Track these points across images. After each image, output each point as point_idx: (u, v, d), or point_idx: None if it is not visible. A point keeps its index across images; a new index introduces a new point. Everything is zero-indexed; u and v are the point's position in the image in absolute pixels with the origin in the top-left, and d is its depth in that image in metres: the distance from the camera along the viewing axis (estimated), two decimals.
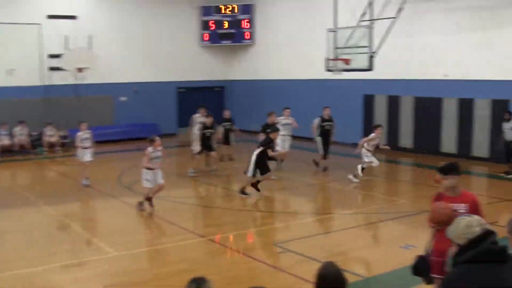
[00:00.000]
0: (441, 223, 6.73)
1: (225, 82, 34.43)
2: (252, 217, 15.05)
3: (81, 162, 18.70)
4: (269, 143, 16.74)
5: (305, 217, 14.78)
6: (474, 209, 6.97)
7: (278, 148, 19.10)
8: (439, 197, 7.27)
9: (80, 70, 26.80)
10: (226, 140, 22.45)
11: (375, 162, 18.46)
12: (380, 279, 10.11)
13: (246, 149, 19.67)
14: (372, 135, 18.32)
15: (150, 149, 14.99)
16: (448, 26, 22.53)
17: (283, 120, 20.61)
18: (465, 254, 4.30)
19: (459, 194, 7.19)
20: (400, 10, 20.58)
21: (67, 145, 26.01)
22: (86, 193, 17.48)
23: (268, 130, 17.41)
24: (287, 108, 21.21)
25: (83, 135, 18.69)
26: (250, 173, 16.51)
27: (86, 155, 18.61)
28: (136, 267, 10.90)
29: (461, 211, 6.82)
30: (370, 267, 10.82)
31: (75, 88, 27.45)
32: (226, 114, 22.89)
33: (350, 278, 5.53)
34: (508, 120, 19.01)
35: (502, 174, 19.21)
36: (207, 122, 20.44)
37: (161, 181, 15.05)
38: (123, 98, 30.87)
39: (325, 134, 20.76)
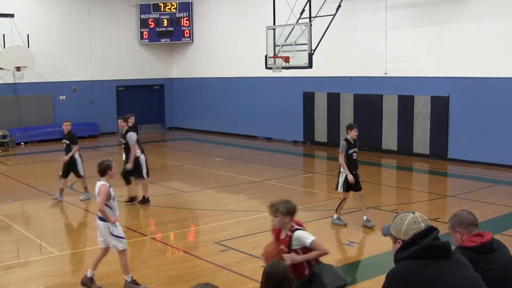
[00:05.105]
0: None
1: (164, 80, 34.21)
2: (193, 216, 14.94)
3: None
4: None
5: (245, 215, 14.76)
6: None
7: None
8: None
9: (18, 69, 26.41)
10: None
11: None
12: None
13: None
14: None
15: None
16: (387, 22, 22.68)
17: None
18: (407, 250, 4.33)
19: None
20: (339, 7, 20.76)
21: (7, 145, 26.43)
22: (27, 193, 16.94)
23: None
24: None
25: None
26: None
27: None
28: (80, 267, 10.75)
29: None
30: None
31: (14, 87, 26.96)
32: (130, 120, 16.38)
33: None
34: None
35: None
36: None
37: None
38: (62, 97, 30.43)
39: None
